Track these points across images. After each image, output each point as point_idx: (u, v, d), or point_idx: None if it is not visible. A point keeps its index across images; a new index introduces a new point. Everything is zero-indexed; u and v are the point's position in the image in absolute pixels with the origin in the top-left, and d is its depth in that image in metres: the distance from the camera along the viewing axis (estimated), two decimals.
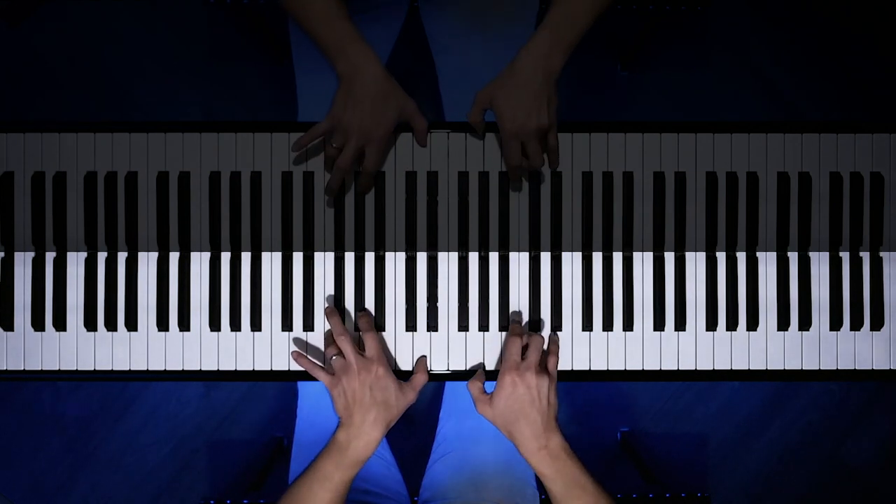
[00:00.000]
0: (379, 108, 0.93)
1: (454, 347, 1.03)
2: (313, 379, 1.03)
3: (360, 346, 0.99)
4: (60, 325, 1.02)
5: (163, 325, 1.02)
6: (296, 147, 0.99)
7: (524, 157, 0.98)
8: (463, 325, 1.03)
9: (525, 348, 0.98)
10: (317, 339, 1.03)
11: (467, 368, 1.03)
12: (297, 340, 1.03)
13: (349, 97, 0.93)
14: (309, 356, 1.00)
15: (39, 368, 1.02)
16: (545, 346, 0.99)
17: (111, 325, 1.02)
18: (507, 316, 1.03)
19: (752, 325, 1.03)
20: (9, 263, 1.03)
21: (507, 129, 0.94)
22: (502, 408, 0.92)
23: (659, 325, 1.03)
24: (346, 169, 0.97)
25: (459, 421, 1.20)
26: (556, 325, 1.03)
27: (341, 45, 0.93)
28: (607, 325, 1.03)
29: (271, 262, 1.03)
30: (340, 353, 0.96)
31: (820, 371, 1.04)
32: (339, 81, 0.95)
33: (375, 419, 0.91)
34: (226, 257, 1.03)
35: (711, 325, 1.04)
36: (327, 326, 1.02)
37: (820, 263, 1.04)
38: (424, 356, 1.03)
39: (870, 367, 1.04)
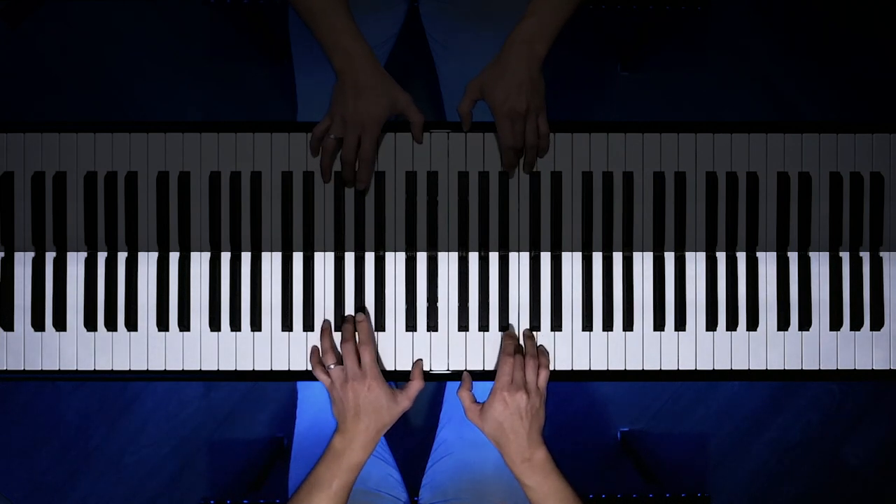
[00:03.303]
0: (370, 98, 0.96)
1: (454, 347, 1.03)
2: (313, 379, 1.03)
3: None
4: (60, 325, 1.02)
5: (163, 325, 1.02)
6: (313, 153, 1.02)
7: (518, 140, 1.00)
8: (463, 325, 1.03)
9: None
10: (317, 339, 1.03)
11: (467, 369, 1.03)
12: (297, 340, 1.03)
13: (343, 90, 0.97)
14: (321, 357, 1.01)
15: (39, 368, 1.02)
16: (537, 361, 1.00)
17: (111, 325, 1.02)
18: (508, 316, 1.03)
19: (752, 325, 1.03)
20: (9, 263, 1.03)
21: (499, 111, 0.97)
22: (491, 422, 0.95)
23: (659, 325, 1.03)
24: (351, 160, 0.99)
25: (460, 423, 1.20)
26: (556, 325, 1.03)
27: (337, 40, 0.96)
28: (607, 325, 1.03)
29: (271, 262, 1.03)
30: (338, 360, 0.98)
31: (820, 371, 1.04)
32: (336, 77, 0.98)
33: (367, 427, 0.94)
34: (226, 257, 1.03)
35: (711, 325, 1.03)
36: (326, 319, 1.02)
37: (820, 263, 1.04)
38: (421, 360, 1.03)
39: (870, 367, 1.04)
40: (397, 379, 1.03)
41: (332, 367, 0.97)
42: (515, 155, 1.01)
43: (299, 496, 0.93)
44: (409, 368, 1.03)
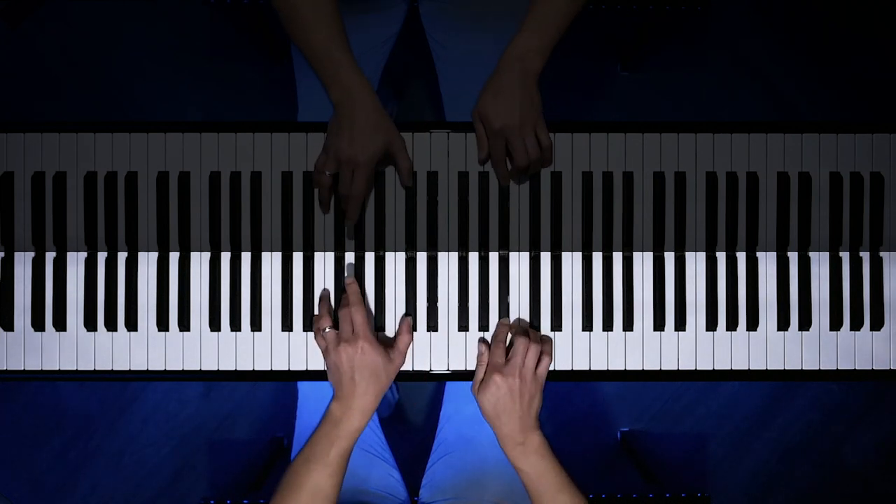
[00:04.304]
0: (366, 136, 0.96)
1: (454, 347, 1.03)
2: (313, 379, 1.03)
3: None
4: (60, 325, 1.02)
5: (163, 325, 1.02)
6: (316, 185, 1.01)
7: (508, 156, 1.01)
8: (463, 325, 1.03)
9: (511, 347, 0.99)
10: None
11: (467, 369, 1.03)
12: (297, 340, 1.03)
13: (339, 125, 0.97)
14: (323, 319, 0.99)
15: (39, 368, 1.02)
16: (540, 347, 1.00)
17: (111, 325, 1.02)
18: (508, 316, 1.03)
19: (752, 325, 1.03)
20: (9, 263, 1.03)
21: (494, 129, 0.97)
22: (486, 403, 0.95)
23: (659, 325, 1.03)
24: (347, 195, 0.99)
25: (460, 422, 1.20)
26: (556, 325, 1.03)
27: (336, 74, 0.96)
28: (607, 325, 1.03)
29: (271, 262, 1.03)
30: (333, 325, 0.98)
31: (820, 371, 1.04)
32: (333, 109, 0.98)
33: (365, 390, 0.93)
34: (226, 257, 1.03)
35: (711, 325, 1.04)
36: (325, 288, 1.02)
37: (820, 263, 1.04)
38: (409, 315, 1.03)
39: (870, 367, 1.04)
40: (399, 380, 1.03)
41: (326, 330, 0.97)
42: (507, 174, 1.02)
43: (296, 465, 0.92)
44: (410, 370, 1.03)
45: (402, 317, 1.03)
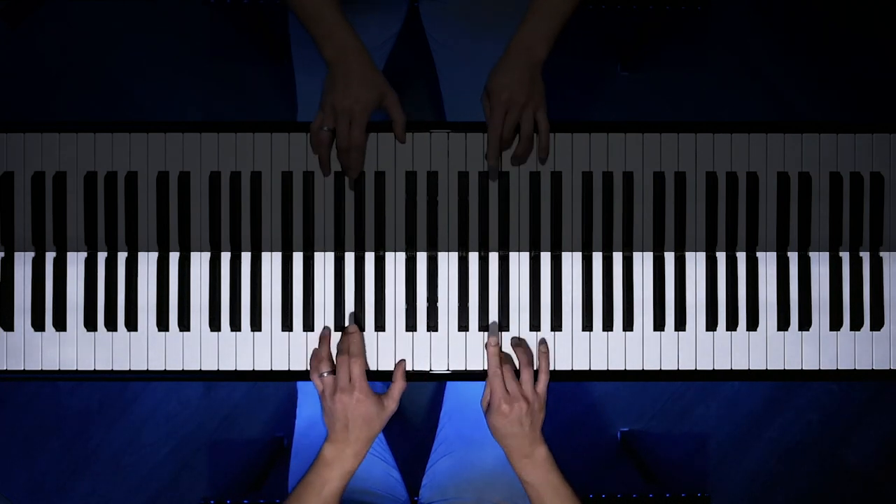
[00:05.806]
0: (359, 86, 0.97)
1: (454, 347, 1.03)
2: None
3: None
4: (60, 325, 1.02)
5: (163, 325, 1.02)
6: (314, 150, 1.02)
7: (509, 130, 1.00)
8: (463, 325, 1.03)
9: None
10: (317, 339, 1.03)
11: (467, 368, 1.03)
12: (297, 340, 1.03)
13: (334, 80, 0.97)
14: (323, 363, 0.99)
15: (39, 368, 1.02)
16: (536, 360, 1.01)
17: (111, 325, 1.02)
18: (508, 316, 1.03)
19: (752, 325, 1.03)
20: (9, 263, 1.03)
21: (500, 99, 0.98)
22: (493, 428, 0.97)
23: (659, 325, 1.03)
24: (346, 147, 0.99)
25: (460, 422, 1.20)
26: (556, 325, 1.03)
27: (329, 32, 0.97)
28: (607, 325, 1.03)
29: (271, 262, 1.03)
30: (332, 369, 0.98)
31: (820, 371, 1.04)
32: (328, 68, 0.99)
33: (357, 437, 0.95)
34: (226, 257, 1.03)
35: (711, 325, 1.03)
36: (326, 326, 1.02)
37: (820, 263, 1.04)
38: (403, 361, 1.03)
39: (870, 367, 1.04)
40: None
41: (325, 375, 0.97)
42: (500, 147, 1.00)
43: (291, 502, 0.94)
44: (411, 370, 1.03)
45: (397, 364, 1.03)
